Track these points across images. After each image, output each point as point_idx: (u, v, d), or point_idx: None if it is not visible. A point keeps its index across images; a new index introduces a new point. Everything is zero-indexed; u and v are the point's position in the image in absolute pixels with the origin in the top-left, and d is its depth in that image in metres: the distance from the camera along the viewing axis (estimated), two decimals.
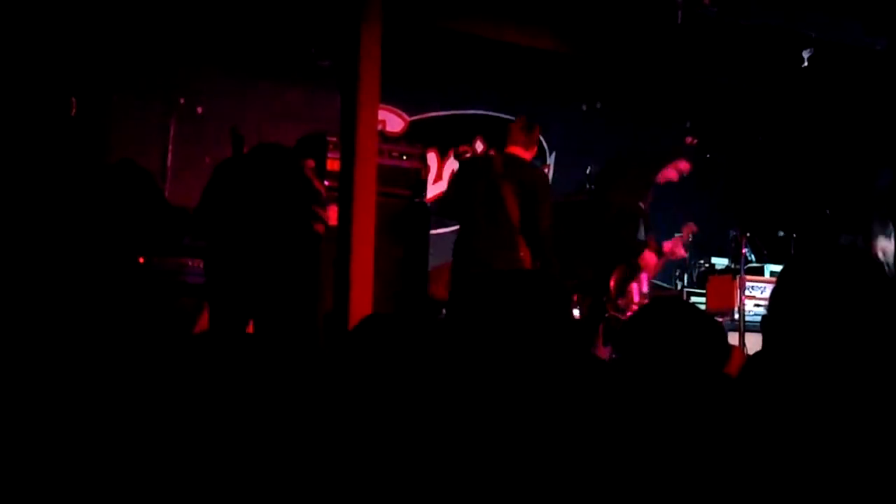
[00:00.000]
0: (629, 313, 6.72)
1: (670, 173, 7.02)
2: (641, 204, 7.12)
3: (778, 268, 8.99)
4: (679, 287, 9.19)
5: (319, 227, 6.50)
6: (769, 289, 8.30)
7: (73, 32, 7.76)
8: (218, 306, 6.32)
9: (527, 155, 7.03)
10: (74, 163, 7.04)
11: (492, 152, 7.22)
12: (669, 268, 8.59)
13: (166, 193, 7.44)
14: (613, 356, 6.33)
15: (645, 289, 6.97)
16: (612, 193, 7.09)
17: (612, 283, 6.94)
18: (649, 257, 7.00)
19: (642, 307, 2.89)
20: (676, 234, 7.33)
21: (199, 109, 8.38)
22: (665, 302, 3.05)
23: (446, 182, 9.71)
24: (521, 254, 6.76)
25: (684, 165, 7.06)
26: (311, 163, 6.72)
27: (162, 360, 2.84)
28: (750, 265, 8.41)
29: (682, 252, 7.09)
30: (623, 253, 7.05)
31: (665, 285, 9.19)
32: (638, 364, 2.64)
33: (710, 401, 2.45)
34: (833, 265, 2.42)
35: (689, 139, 7.17)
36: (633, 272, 6.97)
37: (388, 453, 2.41)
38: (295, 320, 6.29)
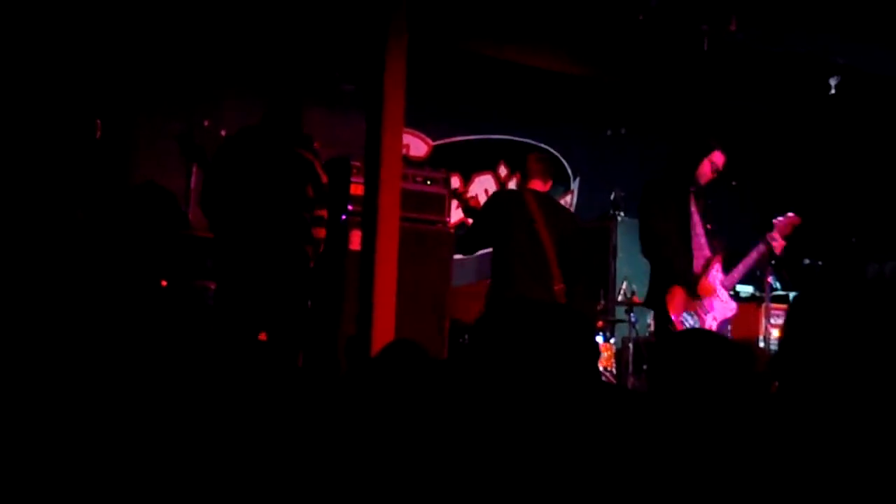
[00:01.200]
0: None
1: (705, 169, 6.79)
2: (699, 221, 6.84)
3: None
4: None
5: (320, 232, 6.41)
6: None
7: (99, 55, 7.79)
8: (229, 314, 6.11)
9: (546, 188, 7.06)
10: (99, 184, 7.06)
11: (518, 187, 7.18)
12: None
13: (189, 216, 7.44)
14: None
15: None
16: (654, 221, 6.81)
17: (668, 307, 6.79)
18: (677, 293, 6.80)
19: (670, 340, 2.85)
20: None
21: (223, 132, 8.38)
22: (693, 335, 3.00)
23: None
24: (556, 287, 6.77)
25: (718, 157, 6.84)
26: (316, 144, 6.56)
27: (181, 382, 2.83)
28: (775, 293, 8.34)
29: (713, 290, 6.82)
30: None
31: None
32: (662, 397, 2.61)
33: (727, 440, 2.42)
34: (841, 301, 2.41)
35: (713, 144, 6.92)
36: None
37: (402, 480, 2.41)
38: (299, 331, 6.19)
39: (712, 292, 6.67)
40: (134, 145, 8.30)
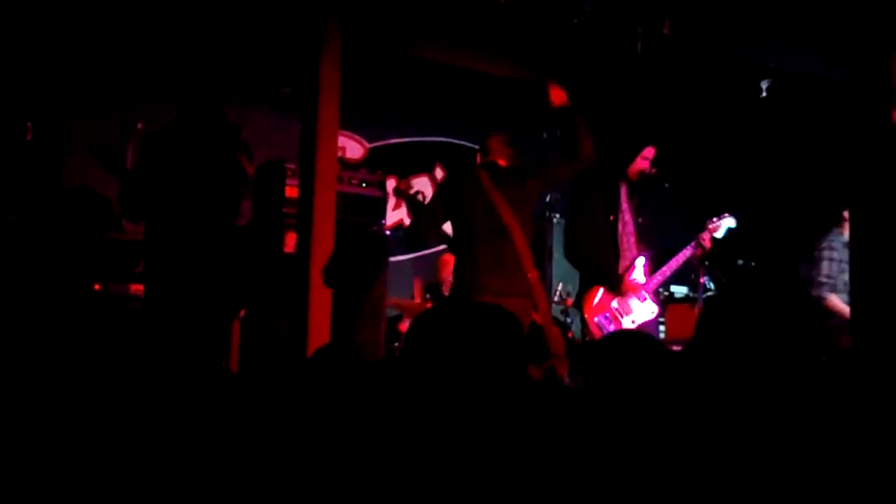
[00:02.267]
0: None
1: (641, 164, 6.80)
2: (628, 218, 6.85)
3: None
4: None
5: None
6: None
7: (31, 57, 7.70)
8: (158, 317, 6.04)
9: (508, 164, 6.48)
10: (31, 187, 6.98)
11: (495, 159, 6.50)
12: None
13: (123, 220, 7.37)
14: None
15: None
16: (578, 223, 6.78)
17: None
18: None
19: (600, 341, 2.87)
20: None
21: None
22: (623, 336, 3.03)
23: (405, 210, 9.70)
24: (531, 276, 6.16)
25: (650, 151, 6.84)
26: (244, 132, 6.36)
27: (107, 386, 2.81)
28: (708, 293, 8.42)
29: (636, 287, 6.83)
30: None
31: None
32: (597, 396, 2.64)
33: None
34: (750, 303, 2.47)
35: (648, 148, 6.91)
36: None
37: (335, 482, 2.41)
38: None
39: (636, 290, 6.72)
40: (66, 148, 8.21)
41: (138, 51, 8.48)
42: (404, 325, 8.36)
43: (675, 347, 5.51)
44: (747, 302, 2.47)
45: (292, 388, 2.81)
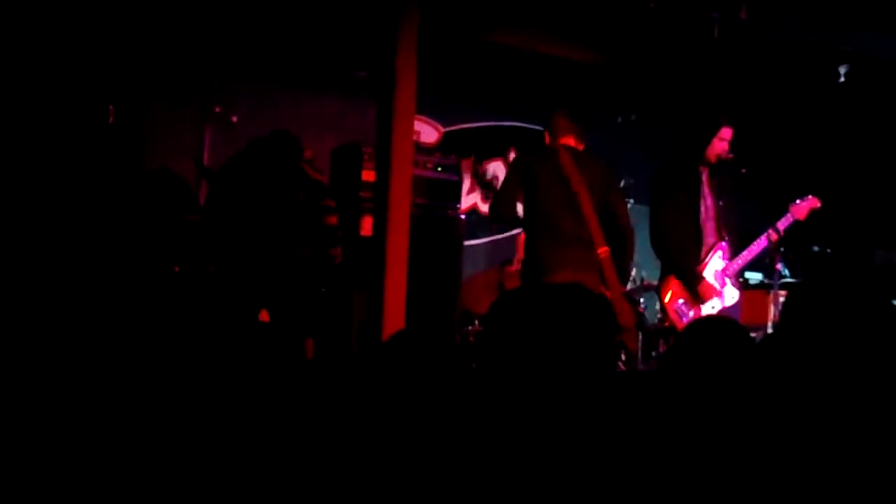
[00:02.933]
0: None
1: (719, 146, 6.73)
2: (713, 206, 6.78)
3: None
4: None
5: (332, 220, 6.45)
6: None
7: (112, 41, 7.82)
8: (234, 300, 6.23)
9: (581, 147, 6.63)
10: (113, 169, 7.09)
11: (565, 141, 6.57)
12: None
13: (202, 202, 7.47)
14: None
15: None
16: (661, 216, 6.76)
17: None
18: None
19: (686, 328, 2.85)
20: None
21: (234, 118, 8.38)
22: (710, 323, 3.01)
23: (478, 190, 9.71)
24: (600, 251, 6.31)
25: (727, 132, 6.76)
26: (308, 154, 6.56)
27: (192, 369, 2.86)
28: (784, 280, 8.36)
29: (712, 293, 6.77)
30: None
31: None
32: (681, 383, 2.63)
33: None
34: (838, 291, 2.45)
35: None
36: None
37: (413, 469, 2.42)
38: (310, 319, 6.23)
39: (712, 295, 6.68)
40: (146, 131, 8.32)
41: (216, 34, 8.56)
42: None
43: (751, 334, 5.49)
44: (833, 291, 2.45)
45: (369, 374, 2.83)
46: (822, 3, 8.28)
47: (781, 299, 7.76)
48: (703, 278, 6.67)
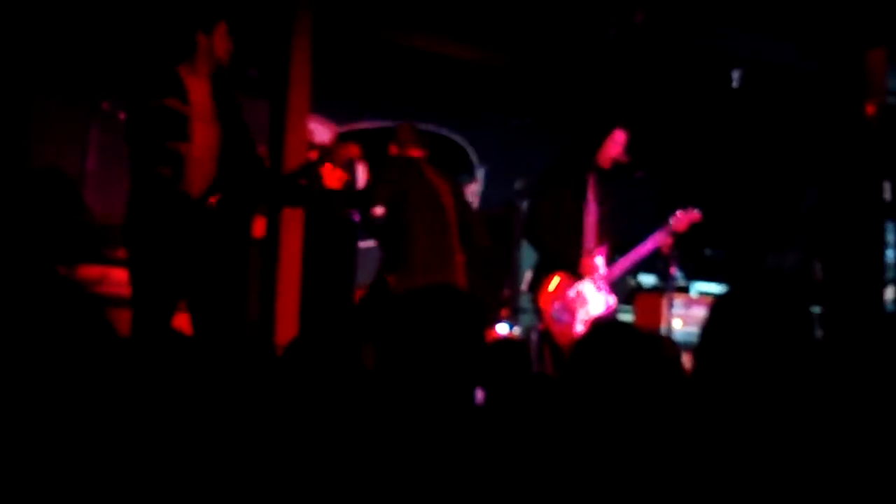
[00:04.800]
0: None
1: (613, 150, 6.71)
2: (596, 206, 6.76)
3: (705, 286, 9.02)
4: None
5: None
6: (696, 308, 8.27)
7: None
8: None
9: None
10: None
11: (414, 153, 6.56)
12: None
13: (87, 200, 7.27)
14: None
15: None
16: (542, 203, 6.73)
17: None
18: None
19: (586, 334, 2.82)
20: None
21: (122, 115, 8.19)
22: (610, 327, 2.98)
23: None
24: (458, 259, 6.42)
25: (621, 136, 6.75)
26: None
27: (86, 368, 2.75)
28: (677, 283, 8.42)
29: (594, 269, 6.72)
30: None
31: None
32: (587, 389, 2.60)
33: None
34: (762, 298, 2.45)
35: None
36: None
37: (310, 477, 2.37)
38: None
39: (594, 272, 6.61)
40: (30, 127, 8.09)
41: (104, 26, 8.35)
42: None
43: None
44: (761, 299, 2.44)
45: (266, 380, 2.78)
46: (717, 8, 8.36)
47: (676, 302, 7.83)
48: (581, 259, 6.61)
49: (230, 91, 5.72)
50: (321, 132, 9.54)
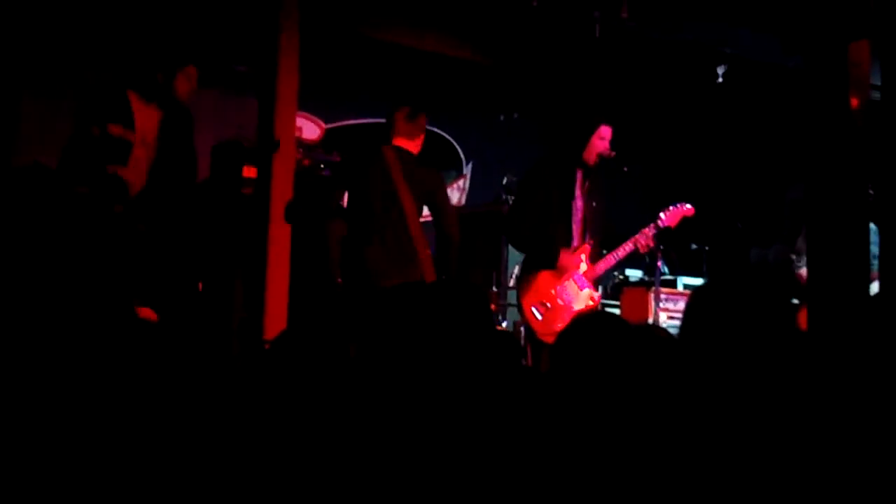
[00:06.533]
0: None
1: (598, 145, 6.69)
2: (584, 203, 6.74)
3: (691, 280, 9.08)
4: None
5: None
6: (683, 301, 8.30)
7: None
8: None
9: (413, 147, 6.40)
10: None
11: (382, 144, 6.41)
12: None
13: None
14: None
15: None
16: (526, 200, 6.70)
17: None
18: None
19: (567, 327, 2.82)
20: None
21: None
22: (592, 319, 2.99)
23: None
24: (423, 268, 6.16)
25: (606, 131, 6.71)
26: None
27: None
28: (664, 277, 8.46)
29: (573, 266, 6.70)
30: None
31: None
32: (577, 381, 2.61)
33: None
34: (741, 291, 2.47)
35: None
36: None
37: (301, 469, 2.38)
38: None
39: (573, 266, 6.60)
40: (18, 124, 8.10)
41: (92, 25, 8.36)
42: None
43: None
44: (736, 292, 2.47)
45: (254, 373, 2.78)
46: (700, 4, 8.40)
47: (662, 296, 7.87)
48: (561, 250, 6.59)
49: (185, 119, 6.01)
50: (309, 129, 9.56)
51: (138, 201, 5.70)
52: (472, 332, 2.62)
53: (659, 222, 6.71)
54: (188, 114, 6.02)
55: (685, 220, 6.81)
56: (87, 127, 5.64)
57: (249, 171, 7.02)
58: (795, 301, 6.62)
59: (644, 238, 6.64)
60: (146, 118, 5.75)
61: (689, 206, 6.80)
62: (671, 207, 6.78)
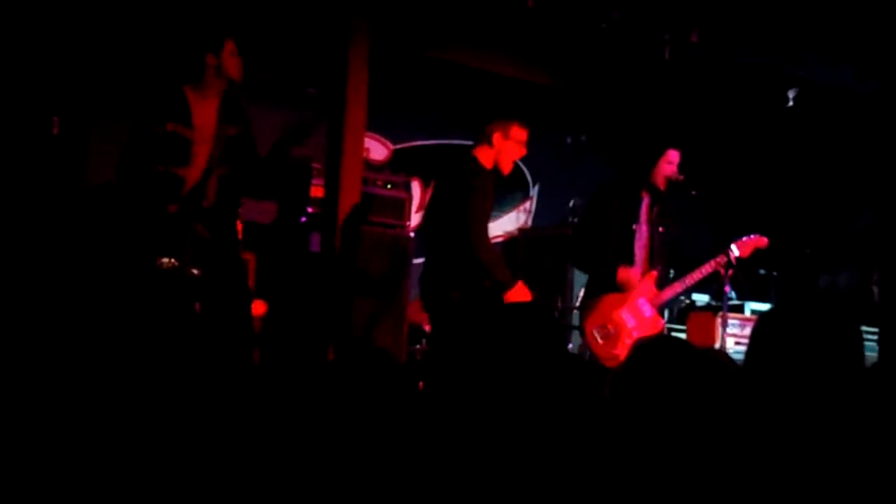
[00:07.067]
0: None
1: (666, 169, 6.62)
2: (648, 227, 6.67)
3: (758, 306, 8.98)
4: None
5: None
6: (749, 327, 8.22)
7: (59, 51, 7.71)
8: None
9: (488, 154, 6.45)
10: (54, 181, 6.98)
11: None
12: None
13: None
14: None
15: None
16: (591, 224, 6.67)
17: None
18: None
19: (631, 353, 2.79)
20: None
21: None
22: (655, 344, 2.95)
23: None
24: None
25: (674, 155, 6.66)
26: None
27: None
28: (731, 302, 8.38)
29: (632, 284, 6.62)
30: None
31: None
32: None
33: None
34: (809, 317, 2.44)
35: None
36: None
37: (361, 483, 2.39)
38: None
39: (633, 281, 6.51)
40: (89, 145, 8.20)
41: (165, 46, 8.46)
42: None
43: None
44: (807, 317, 2.43)
45: (316, 387, 2.79)
46: (771, 28, 8.34)
47: (730, 321, 7.77)
48: (628, 274, 6.52)
49: (239, 108, 5.90)
50: (377, 149, 9.61)
51: (193, 198, 5.62)
52: (549, 356, 2.62)
53: (730, 253, 6.60)
54: (242, 110, 5.94)
55: (758, 253, 6.73)
56: (146, 127, 5.61)
57: (317, 191, 7.07)
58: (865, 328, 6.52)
59: (714, 268, 6.57)
60: (204, 113, 5.70)
61: (763, 237, 6.70)
62: (744, 238, 6.68)
